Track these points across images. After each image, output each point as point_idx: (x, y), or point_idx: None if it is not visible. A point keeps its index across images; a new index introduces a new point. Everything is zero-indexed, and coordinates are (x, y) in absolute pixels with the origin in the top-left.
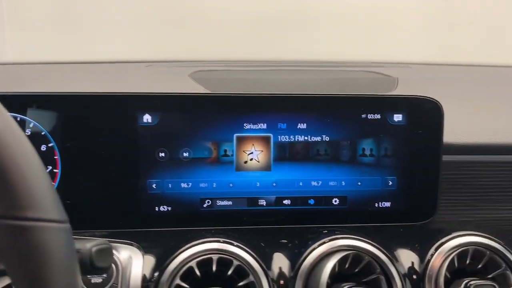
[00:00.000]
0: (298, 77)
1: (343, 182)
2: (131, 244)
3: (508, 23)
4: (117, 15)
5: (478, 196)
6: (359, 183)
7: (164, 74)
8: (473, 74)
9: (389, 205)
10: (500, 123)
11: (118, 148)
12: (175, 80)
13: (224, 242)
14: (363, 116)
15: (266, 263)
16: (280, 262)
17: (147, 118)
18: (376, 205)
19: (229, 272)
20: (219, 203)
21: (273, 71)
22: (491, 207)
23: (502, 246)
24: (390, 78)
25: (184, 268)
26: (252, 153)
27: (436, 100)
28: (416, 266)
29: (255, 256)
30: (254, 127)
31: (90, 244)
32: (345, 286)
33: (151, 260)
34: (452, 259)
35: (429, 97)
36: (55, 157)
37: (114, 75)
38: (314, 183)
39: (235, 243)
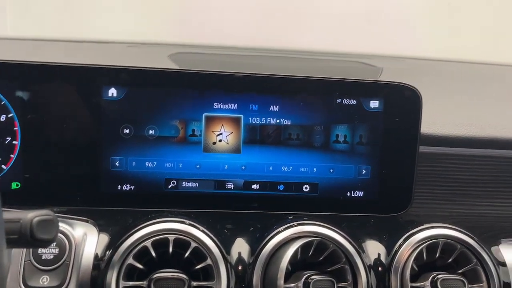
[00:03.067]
0: (277, 62)
1: (314, 169)
2: (86, 221)
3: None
4: None
5: (455, 190)
6: (331, 171)
7: (143, 53)
8: (460, 70)
9: (361, 195)
10: (481, 117)
11: (81, 122)
12: (151, 59)
13: (181, 222)
14: (338, 100)
15: (226, 247)
16: (240, 246)
17: (112, 92)
18: (348, 194)
19: (186, 254)
20: (185, 184)
21: (254, 56)
22: (469, 202)
23: (475, 241)
24: (373, 68)
25: (138, 247)
26: (221, 134)
27: (415, 88)
28: (383, 258)
29: (214, 239)
30: (224, 107)
31: (31, 214)
32: (306, 274)
33: (106, 238)
34: (421, 251)
35: (407, 84)
36: (15, 128)
37: (90, 51)
38: (284, 168)
39: (196, 225)
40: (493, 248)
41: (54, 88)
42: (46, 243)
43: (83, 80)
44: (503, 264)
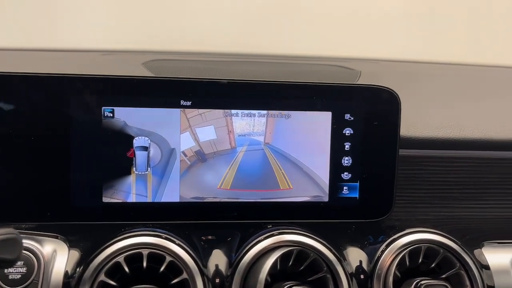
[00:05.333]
0: (249, 68)
1: None
2: (56, 237)
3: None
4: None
5: (436, 193)
6: None
7: (116, 62)
8: (438, 71)
9: (342, 201)
10: (460, 118)
11: (50, 132)
12: (122, 68)
13: (155, 236)
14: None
15: (203, 259)
16: (218, 258)
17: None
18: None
19: (161, 269)
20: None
21: (232, 62)
22: (449, 204)
23: (457, 245)
24: (351, 71)
25: (110, 263)
26: None
27: (393, 90)
28: (365, 265)
29: (190, 252)
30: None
31: None
32: (286, 285)
33: (77, 254)
34: (403, 257)
35: (385, 87)
36: None
37: (61, 61)
38: None
39: (171, 238)
40: (476, 251)
41: (20, 98)
42: (9, 264)
43: (52, 90)
44: (487, 267)
